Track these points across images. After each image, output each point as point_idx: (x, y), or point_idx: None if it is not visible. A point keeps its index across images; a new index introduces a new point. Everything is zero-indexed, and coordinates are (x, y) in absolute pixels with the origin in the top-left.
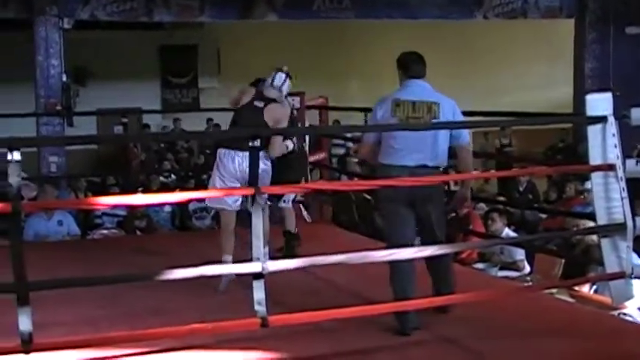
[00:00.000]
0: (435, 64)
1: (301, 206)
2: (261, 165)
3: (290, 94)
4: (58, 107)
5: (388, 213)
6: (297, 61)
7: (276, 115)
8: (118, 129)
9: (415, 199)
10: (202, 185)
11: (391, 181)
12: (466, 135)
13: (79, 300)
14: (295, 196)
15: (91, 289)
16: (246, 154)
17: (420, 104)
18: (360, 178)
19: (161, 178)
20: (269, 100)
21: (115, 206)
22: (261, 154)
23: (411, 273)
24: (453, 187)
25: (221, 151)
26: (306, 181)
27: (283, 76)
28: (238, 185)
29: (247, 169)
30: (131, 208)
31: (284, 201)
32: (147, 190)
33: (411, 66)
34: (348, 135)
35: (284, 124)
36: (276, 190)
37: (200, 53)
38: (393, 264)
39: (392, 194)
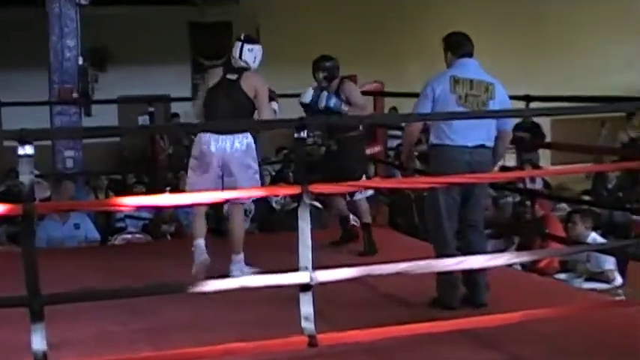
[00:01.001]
0: (503, 43)
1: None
2: (247, 159)
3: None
4: (75, 94)
5: (437, 200)
6: (348, 41)
7: (254, 82)
8: (143, 119)
9: (470, 185)
10: None
11: (460, 177)
12: (511, 121)
13: (98, 314)
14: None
15: (111, 302)
16: (227, 137)
17: (477, 83)
18: (420, 174)
19: None
20: (241, 70)
21: (140, 208)
22: (244, 139)
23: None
24: None
25: (198, 136)
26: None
27: (239, 44)
28: (212, 174)
29: (230, 155)
30: (158, 210)
31: (359, 192)
32: (176, 189)
33: (461, 45)
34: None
35: (265, 93)
36: (326, 188)
37: (236, 32)
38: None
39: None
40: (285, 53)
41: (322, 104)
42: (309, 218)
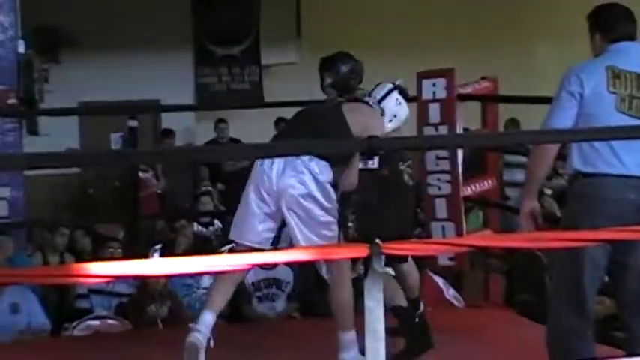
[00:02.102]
0: None
1: (441, 280)
2: (312, 187)
3: (432, 75)
4: (12, 100)
5: (579, 263)
6: (439, 22)
7: (367, 119)
8: (119, 138)
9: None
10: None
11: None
12: None
13: None
14: None
15: None
16: (289, 161)
17: None
18: (557, 225)
19: (196, 227)
20: (354, 100)
21: (114, 279)
22: (321, 170)
23: None
24: None
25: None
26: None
27: (389, 86)
28: (268, 210)
29: (289, 183)
30: (142, 283)
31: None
32: (170, 248)
33: (615, 24)
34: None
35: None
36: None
37: (264, 1)
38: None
39: (604, 225)
40: (339, 34)
41: None
42: (381, 295)
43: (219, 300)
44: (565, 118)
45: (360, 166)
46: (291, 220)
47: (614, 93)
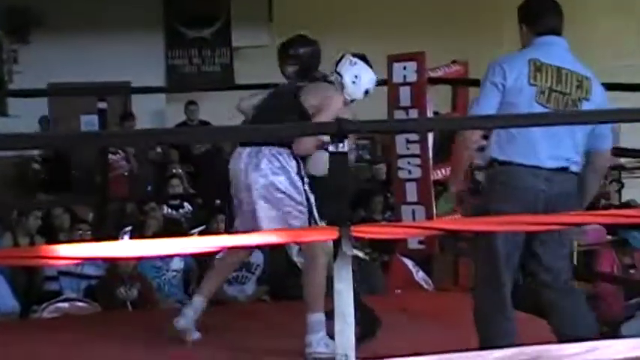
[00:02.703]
0: None
1: (410, 262)
2: (279, 178)
3: (403, 58)
4: None
5: (493, 242)
6: (410, 6)
7: (321, 97)
8: (89, 120)
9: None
10: None
11: (602, 215)
12: (611, 138)
13: None
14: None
15: None
16: (255, 150)
17: (568, 74)
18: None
19: (166, 210)
20: (313, 79)
21: (83, 261)
22: (283, 154)
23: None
24: None
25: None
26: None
27: (349, 60)
28: (247, 205)
29: (255, 177)
30: (112, 265)
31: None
32: (139, 230)
33: (542, 18)
34: None
35: (331, 111)
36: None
37: None
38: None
39: (510, 211)
40: (311, 15)
41: None
42: (351, 278)
43: (212, 283)
44: (488, 107)
45: (331, 148)
46: (260, 211)
47: (534, 85)
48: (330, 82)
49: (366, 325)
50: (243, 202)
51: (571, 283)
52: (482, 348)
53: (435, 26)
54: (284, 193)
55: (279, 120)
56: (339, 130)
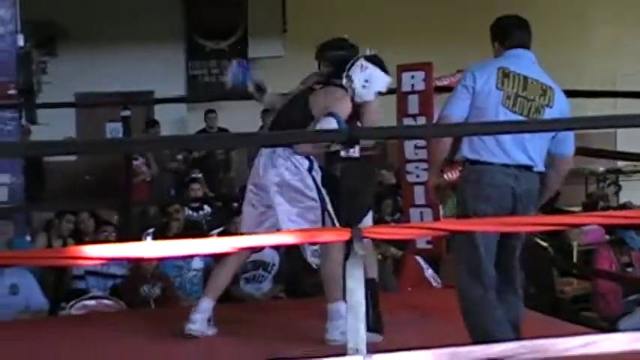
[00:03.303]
0: None
1: (421, 259)
2: (293, 176)
3: (411, 68)
4: (12, 91)
5: (472, 245)
6: (417, 16)
7: (327, 99)
8: (114, 127)
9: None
10: None
11: (600, 216)
12: (573, 144)
13: None
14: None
15: None
16: (271, 151)
17: (533, 82)
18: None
19: (187, 212)
20: (326, 83)
21: (109, 261)
22: (297, 159)
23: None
24: None
25: None
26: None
27: (360, 65)
28: (263, 202)
29: (271, 177)
30: (135, 265)
31: None
32: (162, 232)
33: (512, 33)
34: None
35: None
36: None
37: (252, 1)
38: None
39: (485, 209)
40: (324, 29)
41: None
42: (362, 276)
43: (218, 282)
44: (459, 109)
45: (342, 154)
46: (277, 209)
47: (501, 90)
48: (341, 87)
49: (376, 322)
50: (256, 201)
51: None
52: (484, 342)
53: (441, 38)
54: (298, 190)
55: (291, 126)
56: (350, 137)
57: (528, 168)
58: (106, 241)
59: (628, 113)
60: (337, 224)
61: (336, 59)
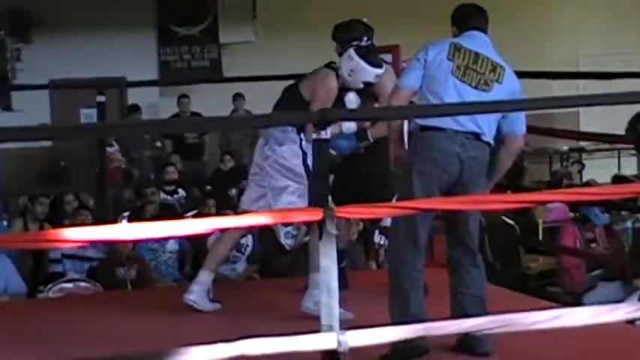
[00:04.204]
0: None
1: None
2: (291, 159)
3: (379, 51)
4: None
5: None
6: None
7: (316, 83)
8: (88, 113)
9: (458, 182)
10: (230, 206)
11: (569, 193)
12: (524, 123)
13: None
14: None
15: None
16: (265, 134)
17: (484, 58)
18: (499, 188)
19: (162, 195)
20: (326, 66)
21: (86, 244)
22: (287, 130)
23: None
24: None
25: None
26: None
27: (348, 54)
28: (260, 180)
29: (264, 157)
30: (111, 248)
31: None
32: (138, 215)
33: (468, 18)
34: None
35: (319, 100)
36: (360, 212)
37: None
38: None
39: (431, 170)
40: (293, 14)
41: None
42: (335, 255)
43: (218, 255)
44: (410, 79)
45: (313, 136)
46: (267, 186)
47: (451, 61)
48: (332, 68)
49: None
50: (258, 177)
51: None
52: (455, 317)
53: (409, 20)
54: (286, 165)
55: (286, 109)
56: (321, 119)
57: (477, 136)
58: (83, 224)
59: (589, 93)
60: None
61: (342, 41)
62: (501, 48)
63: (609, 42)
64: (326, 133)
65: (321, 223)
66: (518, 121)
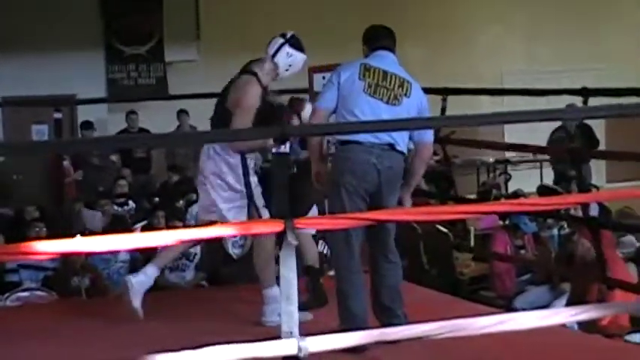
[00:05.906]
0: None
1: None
2: (214, 168)
3: (322, 69)
4: None
5: (341, 209)
6: (329, 19)
7: (236, 93)
8: (39, 129)
9: (378, 190)
10: (178, 217)
11: (506, 204)
12: (432, 133)
13: None
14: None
15: None
16: (206, 147)
17: (392, 75)
18: (430, 199)
19: (115, 207)
20: (241, 73)
21: (40, 256)
22: (217, 149)
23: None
24: None
25: None
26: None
27: (280, 41)
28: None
29: (208, 169)
30: (66, 258)
31: None
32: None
33: (377, 39)
34: None
35: (244, 108)
36: (318, 222)
37: (167, 6)
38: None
39: (351, 181)
40: (235, 34)
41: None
42: (295, 264)
43: (166, 259)
44: (325, 100)
45: (273, 150)
46: (213, 199)
47: (363, 80)
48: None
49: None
50: (203, 190)
51: None
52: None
53: (355, 34)
54: (225, 180)
55: (215, 120)
56: (282, 134)
57: (391, 147)
58: (37, 237)
59: (513, 110)
60: (264, 216)
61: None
62: (431, 67)
63: (529, 60)
64: (285, 147)
65: (281, 235)
66: (427, 131)
